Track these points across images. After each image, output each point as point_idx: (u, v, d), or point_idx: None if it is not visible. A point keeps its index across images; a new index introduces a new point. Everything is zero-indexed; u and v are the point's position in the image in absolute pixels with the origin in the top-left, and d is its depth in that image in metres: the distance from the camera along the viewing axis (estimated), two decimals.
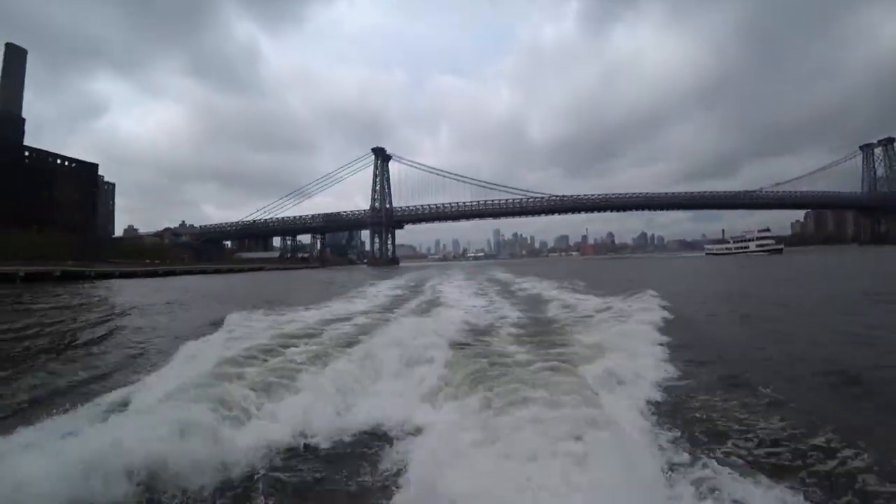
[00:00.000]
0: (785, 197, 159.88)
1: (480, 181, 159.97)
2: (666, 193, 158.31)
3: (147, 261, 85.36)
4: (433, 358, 6.97)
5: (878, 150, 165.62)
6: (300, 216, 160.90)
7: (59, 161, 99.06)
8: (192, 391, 5.26)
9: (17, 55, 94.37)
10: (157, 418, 4.18)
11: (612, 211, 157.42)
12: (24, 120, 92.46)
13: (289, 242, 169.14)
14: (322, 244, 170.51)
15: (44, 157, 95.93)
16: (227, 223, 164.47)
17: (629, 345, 7.59)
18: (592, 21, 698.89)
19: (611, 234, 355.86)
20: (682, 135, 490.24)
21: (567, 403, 4.48)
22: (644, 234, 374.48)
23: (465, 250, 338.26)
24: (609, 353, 6.99)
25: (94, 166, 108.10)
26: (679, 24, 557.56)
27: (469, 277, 36.30)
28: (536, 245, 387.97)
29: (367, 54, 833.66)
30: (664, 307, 11.74)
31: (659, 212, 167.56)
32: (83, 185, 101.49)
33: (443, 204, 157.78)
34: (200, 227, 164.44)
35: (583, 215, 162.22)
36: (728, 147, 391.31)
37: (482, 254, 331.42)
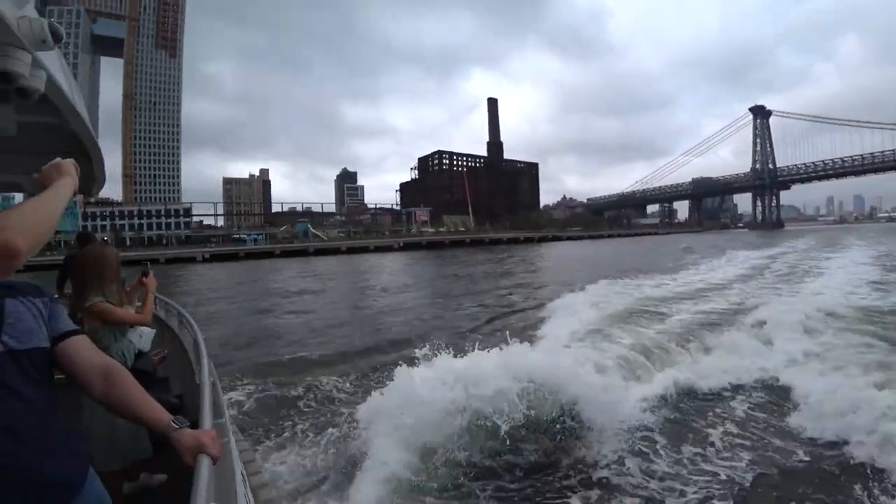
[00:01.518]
0: None
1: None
2: None
3: (573, 228, 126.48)
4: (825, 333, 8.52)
5: None
6: (676, 184, 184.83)
7: (518, 164, 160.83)
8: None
9: (494, 105, 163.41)
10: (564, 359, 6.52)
11: None
12: (502, 143, 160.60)
13: (666, 208, 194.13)
14: (697, 209, 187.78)
15: (511, 164, 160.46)
16: (609, 195, 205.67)
17: None
18: None
19: None
20: None
21: None
22: None
23: (872, 209, 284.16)
24: None
25: (536, 165, 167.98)
26: None
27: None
28: None
29: None
30: None
31: None
32: (531, 179, 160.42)
33: (841, 159, 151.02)
34: (588, 199, 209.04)
35: None
36: None
37: None
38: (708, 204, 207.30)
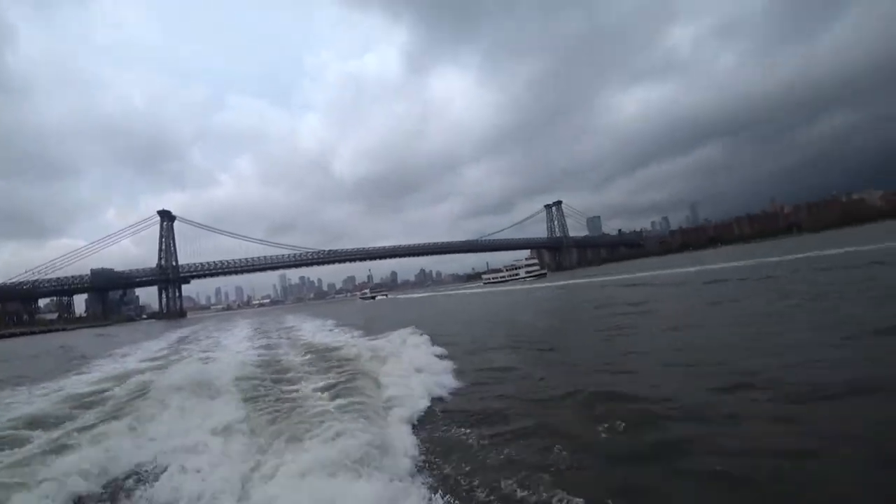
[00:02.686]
0: (502, 242, 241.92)
1: (263, 240, 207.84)
2: (410, 245, 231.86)
3: None
4: (221, 400, 8.49)
5: (554, 209, 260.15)
6: (76, 276, 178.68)
7: None
8: None
9: None
10: None
11: (370, 260, 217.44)
12: None
13: (64, 301, 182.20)
14: (102, 301, 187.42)
15: None
16: None
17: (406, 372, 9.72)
18: (415, 61, 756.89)
19: (394, 273, 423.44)
20: (473, 176, 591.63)
21: (350, 433, 5.74)
22: (423, 271, 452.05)
23: (249, 298, 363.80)
24: (387, 379, 9.14)
25: None
26: (489, 74, 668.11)
27: (254, 321, 49.48)
28: (324, 287, 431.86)
29: (164, 64, 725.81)
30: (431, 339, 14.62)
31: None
32: None
33: (229, 260, 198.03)
34: None
35: None
36: (509, 188, 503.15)
37: (268, 300, 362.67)
38: (111, 296, 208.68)
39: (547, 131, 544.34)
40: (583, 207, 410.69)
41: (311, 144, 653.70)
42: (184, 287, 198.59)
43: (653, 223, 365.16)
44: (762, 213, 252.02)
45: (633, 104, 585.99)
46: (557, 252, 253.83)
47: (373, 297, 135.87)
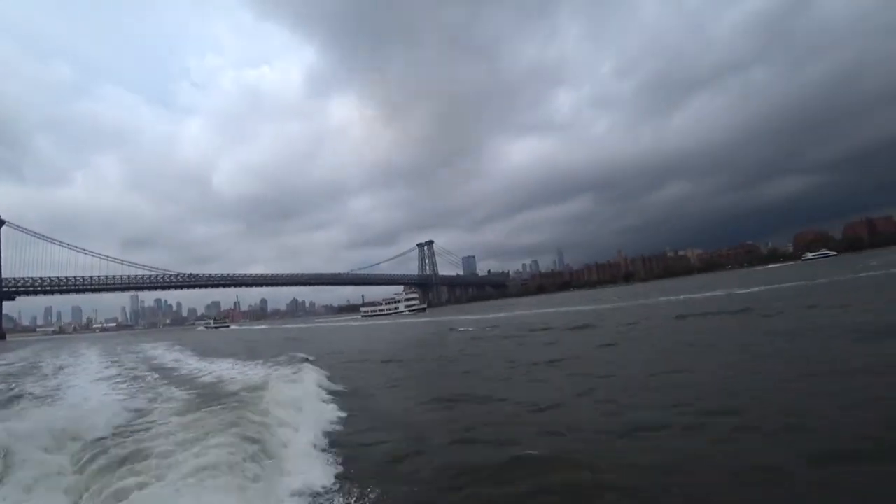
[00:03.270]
0: (374, 277, 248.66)
1: (114, 258, 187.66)
2: (280, 275, 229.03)
3: None
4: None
5: (426, 248, 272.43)
6: None
7: None
8: None
9: None
10: None
11: (237, 287, 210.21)
12: None
13: None
14: None
15: None
16: None
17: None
18: (318, 83, 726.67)
19: (264, 301, 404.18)
20: (360, 207, 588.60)
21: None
22: (295, 300, 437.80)
23: (90, 320, 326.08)
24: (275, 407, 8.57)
25: None
26: (390, 109, 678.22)
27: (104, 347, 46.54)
28: (184, 313, 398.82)
29: (17, 34, 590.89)
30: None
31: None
32: None
33: (71, 277, 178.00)
34: None
35: None
36: (395, 222, 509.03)
37: (114, 324, 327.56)
38: None
39: (437, 171, 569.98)
40: (463, 246, 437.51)
41: (191, 153, 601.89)
42: (4, 304, 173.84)
43: (524, 265, 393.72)
44: (608, 263, 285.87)
45: (518, 154, 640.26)
46: (428, 289, 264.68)
47: (217, 328, 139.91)
